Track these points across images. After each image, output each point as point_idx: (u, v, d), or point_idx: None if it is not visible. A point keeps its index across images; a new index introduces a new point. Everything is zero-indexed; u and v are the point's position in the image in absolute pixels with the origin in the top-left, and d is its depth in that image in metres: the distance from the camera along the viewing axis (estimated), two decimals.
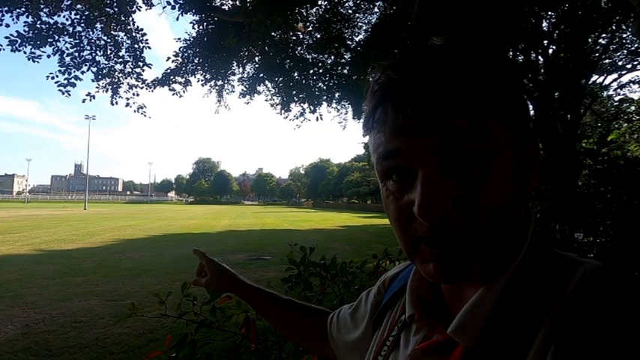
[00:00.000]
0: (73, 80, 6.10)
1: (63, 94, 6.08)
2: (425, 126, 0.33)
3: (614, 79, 10.66)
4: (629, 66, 9.97)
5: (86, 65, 6.34)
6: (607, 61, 9.85)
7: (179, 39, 7.07)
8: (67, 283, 6.36)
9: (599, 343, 0.28)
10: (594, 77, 9.73)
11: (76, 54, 6.12)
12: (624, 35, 8.92)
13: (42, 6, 5.77)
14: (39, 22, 5.78)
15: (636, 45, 8.76)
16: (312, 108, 8.15)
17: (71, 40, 6.04)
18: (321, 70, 7.72)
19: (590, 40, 8.09)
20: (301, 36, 7.49)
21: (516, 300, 0.34)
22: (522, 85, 0.32)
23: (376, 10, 7.65)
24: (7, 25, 5.77)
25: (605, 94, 11.76)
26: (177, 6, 5.27)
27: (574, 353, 0.28)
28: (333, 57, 7.85)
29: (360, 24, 7.92)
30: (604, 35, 8.35)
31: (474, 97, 0.33)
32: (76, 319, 4.57)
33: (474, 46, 0.36)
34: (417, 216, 0.33)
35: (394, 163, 0.36)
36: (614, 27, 8.07)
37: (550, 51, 8.59)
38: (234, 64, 7.84)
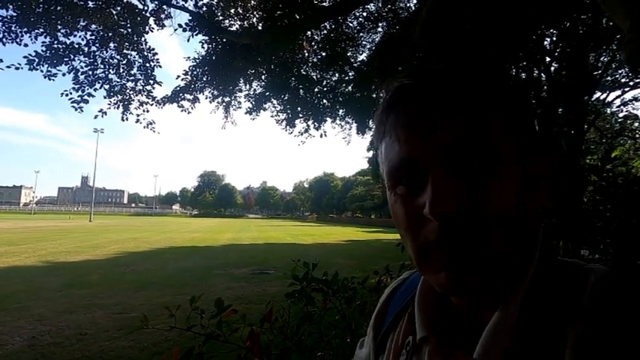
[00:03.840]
0: (86, 97, 6.34)
1: (76, 110, 6.30)
2: (435, 127, 0.34)
3: (617, 96, 10.70)
4: (631, 83, 10.04)
5: (99, 83, 6.59)
6: (609, 78, 9.94)
7: (188, 58, 7.32)
8: (72, 295, 6.41)
9: (626, 350, 0.28)
10: (597, 94, 9.80)
11: (90, 72, 6.38)
12: None
13: (59, 27, 6.05)
14: (56, 42, 6.04)
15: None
16: (316, 125, 8.31)
17: (86, 59, 6.32)
18: (325, 88, 7.91)
19: (591, 57, 8.20)
20: (306, 54, 7.71)
21: (537, 316, 0.34)
22: (527, 102, 0.34)
23: (380, 29, 7.87)
24: (26, 45, 6.03)
25: (608, 110, 11.79)
26: (187, 28, 5.51)
27: None
28: (337, 75, 8.04)
29: (364, 42, 8.15)
30: (605, 53, 8.46)
31: (482, 102, 0.35)
32: (81, 331, 4.61)
33: (479, 62, 0.38)
34: (427, 215, 0.33)
35: (407, 165, 0.36)
36: (614, 46, 8.19)
37: (552, 68, 8.72)
38: (241, 81, 8.06)
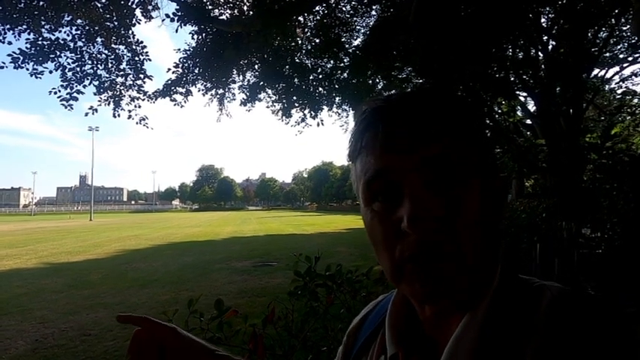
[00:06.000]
0: (75, 94, 6.17)
1: (66, 107, 6.14)
2: (412, 143, 0.36)
3: (616, 72, 10.57)
4: (630, 59, 9.90)
5: (88, 79, 6.41)
6: (608, 54, 9.79)
7: (179, 49, 7.13)
8: (74, 295, 6.38)
9: None
10: (595, 71, 9.68)
11: (78, 68, 6.20)
12: (624, 28, 8.86)
13: (43, 22, 5.85)
14: (40, 38, 5.85)
15: (637, 38, 8.69)
16: (312, 113, 8.18)
17: (73, 55, 6.12)
18: (320, 76, 7.76)
19: (589, 34, 8.05)
20: (300, 42, 7.53)
21: (499, 330, 0.35)
22: (485, 122, 0.37)
23: (374, 13, 7.68)
24: (10, 43, 5.85)
25: (607, 87, 11.68)
26: (176, 18, 5.33)
27: None
28: (332, 62, 7.88)
29: (358, 27, 7.96)
30: (604, 29, 8.30)
31: (453, 124, 0.37)
32: (84, 332, 4.58)
33: (445, 89, 0.42)
34: (406, 229, 0.34)
35: (383, 181, 0.37)
36: (613, 21, 8.03)
37: (550, 46, 8.56)
38: (234, 72, 7.89)
